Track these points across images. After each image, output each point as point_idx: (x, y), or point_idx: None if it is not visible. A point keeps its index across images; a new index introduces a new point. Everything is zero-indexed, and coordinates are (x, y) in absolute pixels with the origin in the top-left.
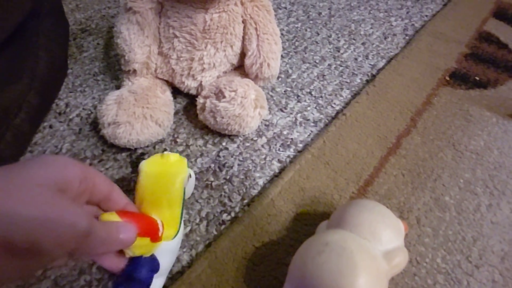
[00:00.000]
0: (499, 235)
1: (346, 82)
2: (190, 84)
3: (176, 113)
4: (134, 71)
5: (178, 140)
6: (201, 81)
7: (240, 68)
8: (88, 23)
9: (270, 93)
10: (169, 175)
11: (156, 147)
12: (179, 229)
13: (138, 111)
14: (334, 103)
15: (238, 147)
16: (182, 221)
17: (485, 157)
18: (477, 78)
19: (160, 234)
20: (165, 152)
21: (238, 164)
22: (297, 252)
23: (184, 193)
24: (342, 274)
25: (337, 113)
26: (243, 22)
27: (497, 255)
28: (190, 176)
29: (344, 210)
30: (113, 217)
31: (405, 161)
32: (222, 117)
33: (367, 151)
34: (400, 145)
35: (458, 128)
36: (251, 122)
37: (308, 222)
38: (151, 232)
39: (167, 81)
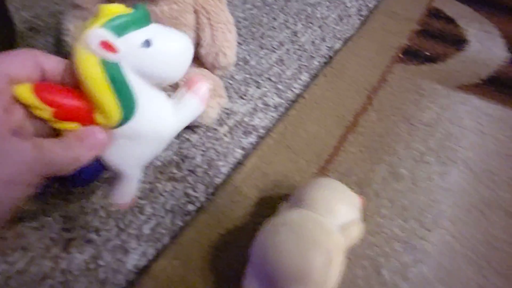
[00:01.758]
0: (450, 200)
1: (305, 65)
2: None
3: None
4: None
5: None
6: None
7: (196, 59)
8: (36, 21)
9: (229, 81)
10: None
11: None
12: (126, 113)
13: None
14: (294, 87)
15: (200, 138)
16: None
17: (436, 128)
18: (428, 54)
19: (93, 118)
20: None
21: (201, 155)
22: (257, 235)
23: (121, 76)
24: (300, 252)
25: (297, 96)
26: (195, 12)
27: (449, 219)
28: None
29: (301, 190)
30: (26, 91)
31: (363, 138)
32: None
33: (327, 131)
34: (357, 123)
35: (412, 102)
36: (211, 112)
37: (272, 205)
38: (79, 115)
39: None
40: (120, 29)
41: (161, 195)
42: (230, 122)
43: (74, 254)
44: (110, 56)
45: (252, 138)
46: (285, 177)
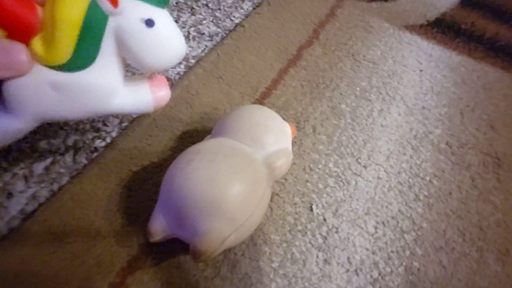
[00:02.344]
0: (387, 136)
1: None
2: None
3: None
4: None
5: None
6: None
7: None
8: None
9: None
10: None
11: None
12: (79, 62)
13: None
14: (234, 16)
15: None
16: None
17: (380, 66)
18: None
19: (30, 42)
20: None
21: None
22: (168, 167)
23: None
24: (213, 181)
25: (236, 26)
26: None
27: (384, 154)
28: None
29: (225, 117)
30: None
31: (305, 72)
32: None
33: (266, 63)
34: (301, 57)
35: (358, 39)
36: None
37: (197, 139)
38: (16, 26)
39: None
40: None
41: (62, 129)
42: None
43: None
44: (106, 5)
45: (180, 68)
46: (214, 110)
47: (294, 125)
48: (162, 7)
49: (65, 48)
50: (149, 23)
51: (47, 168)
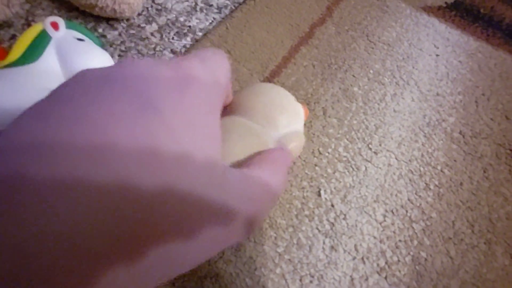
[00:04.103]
0: (399, 122)
1: None
2: None
3: None
4: None
5: (34, 24)
6: None
7: None
8: None
9: None
10: None
11: (1, 32)
12: (21, 59)
13: None
14: None
15: (119, 34)
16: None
17: (395, 48)
18: None
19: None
20: None
21: (119, 55)
22: None
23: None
24: (226, 162)
25: None
26: None
27: (395, 140)
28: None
29: (238, 95)
30: None
31: (317, 52)
32: None
33: (276, 40)
34: (313, 35)
35: (374, 19)
36: None
37: None
38: None
39: None
40: (71, 25)
41: None
42: (161, 20)
43: None
44: (51, 31)
45: (187, 41)
46: None
47: (306, 107)
48: (99, 45)
49: (16, 55)
50: (80, 39)
51: None
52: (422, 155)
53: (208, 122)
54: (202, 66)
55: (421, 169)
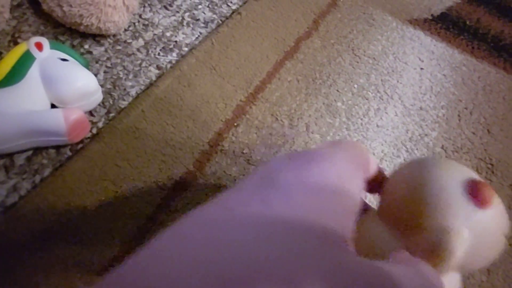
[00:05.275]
0: (382, 138)
1: None
2: None
3: (18, 6)
4: None
5: (19, 40)
6: None
7: None
8: None
9: None
10: None
11: None
12: (4, 80)
13: None
14: (231, 2)
15: (106, 51)
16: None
17: (380, 62)
18: None
19: None
20: None
21: (105, 72)
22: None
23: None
24: None
25: (233, 12)
26: None
27: (377, 156)
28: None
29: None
30: None
31: (302, 66)
32: (70, 6)
33: (262, 55)
34: (298, 49)
35: (360, 32)
36: (114, 14)
37: (188, 135)
38: None
39: None
40: (55, 45)
41: None
42: (147, 35)
43: None
44: (35, 51)
45: (172, 57)
46: (206, 103)
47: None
48: (82, 63)
49: (0, 76)
50: (63, 60)
51: (29, 159)
52: None
53: (337, 200)
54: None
55: None
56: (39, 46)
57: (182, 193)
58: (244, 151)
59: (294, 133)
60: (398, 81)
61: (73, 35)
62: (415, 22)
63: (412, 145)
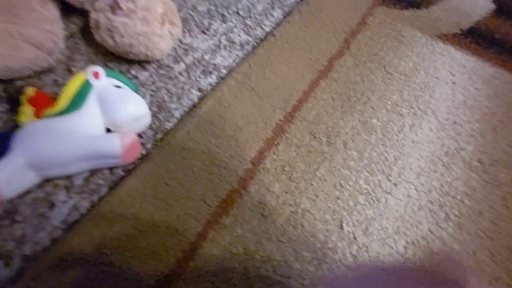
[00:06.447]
0: (418, 153)
1: (278, 0)
2: None
3: (70, 36)
4: None
5: (73, 69)
6: None
7: None
8: None
9: (191, 12)
10: None
11: (43, 77)
12: (67, 108)
13: None
14: (264, 24)
15: (150, 75)
16: (80, 105)
17: (412, 78)
18: None
19: (44, 108)
20: None
21: (151, 95)
22: None
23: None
24: None
25: (267, 34)
26: None
27: (414, 171)
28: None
29: None
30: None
31: (336, 85)
32: (122, 36)
33: (297, 75)
34: (332, 68)
35: (390, 49)
36: (160, 42)
37: (230, 153)
38: (38, 102)
39: None
40: (110, 73)
41: None
42: (188, 59)
43: None
44: (92, 80)
45: (212, 79)
46: (247, 123)
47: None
48: (132, 89)
49: (63, 104)
50: (117, 87)
51: (86, 180)
52: (442, 185)
53: None
54: None
55: (441, 199)
56: (96, 74)
57: (229, 210)
58: (285, 168)
59: (332, 150)
60: (431, 96)
61: (121, 62)
62: (445, 37)
63: (449, 160)
